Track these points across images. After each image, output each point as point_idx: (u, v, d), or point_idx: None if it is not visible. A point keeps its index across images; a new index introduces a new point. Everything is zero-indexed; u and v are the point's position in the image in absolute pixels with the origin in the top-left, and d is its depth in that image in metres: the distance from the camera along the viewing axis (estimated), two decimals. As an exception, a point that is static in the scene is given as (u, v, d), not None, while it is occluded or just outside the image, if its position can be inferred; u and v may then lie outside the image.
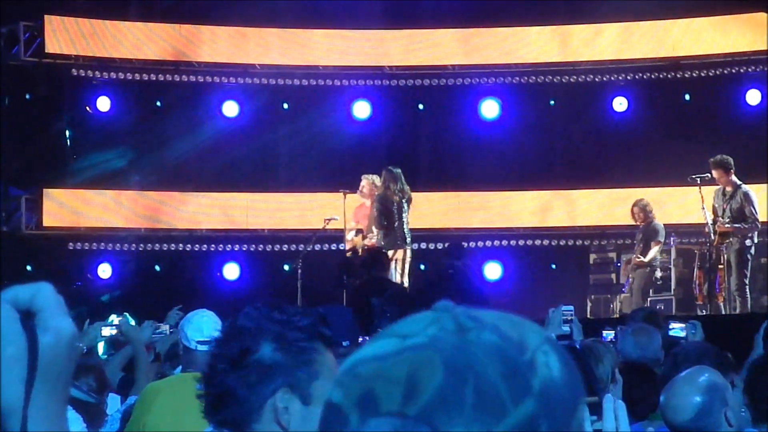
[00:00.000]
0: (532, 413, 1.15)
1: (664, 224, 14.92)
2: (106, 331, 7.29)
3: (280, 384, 2.52)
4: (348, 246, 14.64)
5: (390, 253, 13.98)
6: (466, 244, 15.75)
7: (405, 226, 14.10)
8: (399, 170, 14.24)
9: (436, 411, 1.14)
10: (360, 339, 6.78)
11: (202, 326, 5.57)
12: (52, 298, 1.33)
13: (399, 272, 14.08)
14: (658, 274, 14.72)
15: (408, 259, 14.22)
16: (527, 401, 1.15)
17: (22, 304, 1.31)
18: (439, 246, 17.46)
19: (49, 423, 1.31)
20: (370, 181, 14.49)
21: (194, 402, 5.43)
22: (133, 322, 7.69)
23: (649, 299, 14.54)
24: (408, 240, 14.18)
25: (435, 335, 1.18)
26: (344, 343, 6.60)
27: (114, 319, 7.71)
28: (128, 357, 7.32)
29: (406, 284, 14.13)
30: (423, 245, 16.87)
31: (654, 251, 14.54)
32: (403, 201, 14.12)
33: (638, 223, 14.73)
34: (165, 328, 7.36)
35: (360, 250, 14.36)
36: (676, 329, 6.85)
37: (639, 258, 14.55)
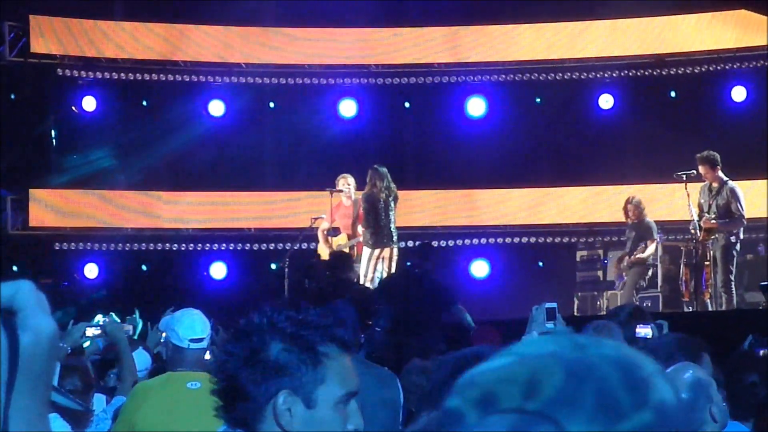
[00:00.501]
0: (650, 424, 1.16)
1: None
2: (90, 332, 7.26)
3: (283, 385, 2.52)
4: (323, 246, 14.57)
5: (377, 251, 13.96)
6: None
7: (392, 225, 14.08)
8: (385, 168, 14.21)
9: (557, 407, 1.15)
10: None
11: (195, 325, 5.55)
12: (33, 295, 1.32)
13: (386, 271, 14.06)
14: (650, 271, 14.71)
15: (395, 258, 14.19)
16: (645, 411, 1.16)
17: (2, 302, 1.30)
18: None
19: (31, 423, 1.30)
20: (347, 180, 14.47)
21: (184, 401, 5.43)
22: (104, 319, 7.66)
23: (638, 296, 14.53)
24: (395, 238, 14.15)
25: (554, 350, 1.20)
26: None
27: (99, 319, 7.67)
28: (92, 353, 7.30)
29: None
30: (410, 243, 16.86)
31: (651, 248, 14.51)
32: (390, 199, 14.08)
33: (630, 221, 14.69)
34: (129, 328, 7.34)
35: (344, 251, 14.34)
36: (643, 332, 6.83)
37: (638, 255, 14.51)
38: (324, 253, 14.50)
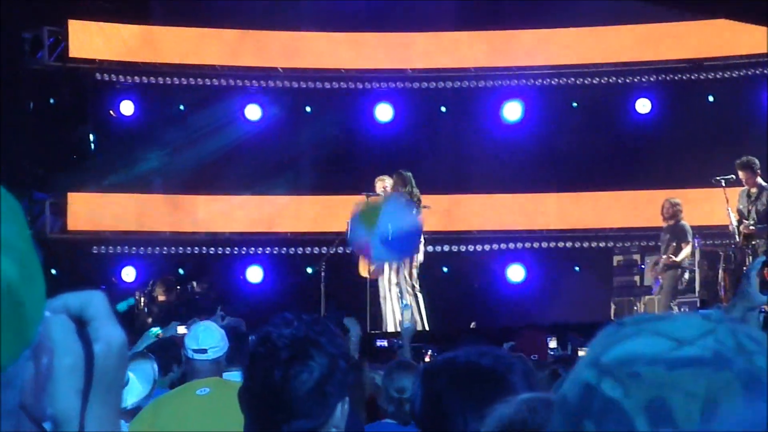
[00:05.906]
0: None
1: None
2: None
3: None
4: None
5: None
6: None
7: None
8: (409, 173, 14.19)
9: None
10: None
11: (199, 335, 5.65)
12: (103, 306, 1.35)
13: (408, 275, 14.00)
14: (686, 275, 14.65)
15: (417, 263, 14.06)
16: None
17: (73, 312, 1.32)
18: (462, 249, 17.46)
19: (105, 429, 1.32)
20: (384, 182, 14.45)
21: (192, 407, 5.45)
22: (160, 332, 7.76)
23: (676, 301, 14.46)
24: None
25: (717, 350, 1.11)
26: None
27: (156, 331, 7.75)
28: None
29: (417, 287, 14.05)
30: (446, 248, 16.86)
31: (686, 251, 14.46)
32: (414, 204, 14.04)
33: (665, 219, 14.65)
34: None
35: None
36: None
37: (672, 258, 14.45)
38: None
